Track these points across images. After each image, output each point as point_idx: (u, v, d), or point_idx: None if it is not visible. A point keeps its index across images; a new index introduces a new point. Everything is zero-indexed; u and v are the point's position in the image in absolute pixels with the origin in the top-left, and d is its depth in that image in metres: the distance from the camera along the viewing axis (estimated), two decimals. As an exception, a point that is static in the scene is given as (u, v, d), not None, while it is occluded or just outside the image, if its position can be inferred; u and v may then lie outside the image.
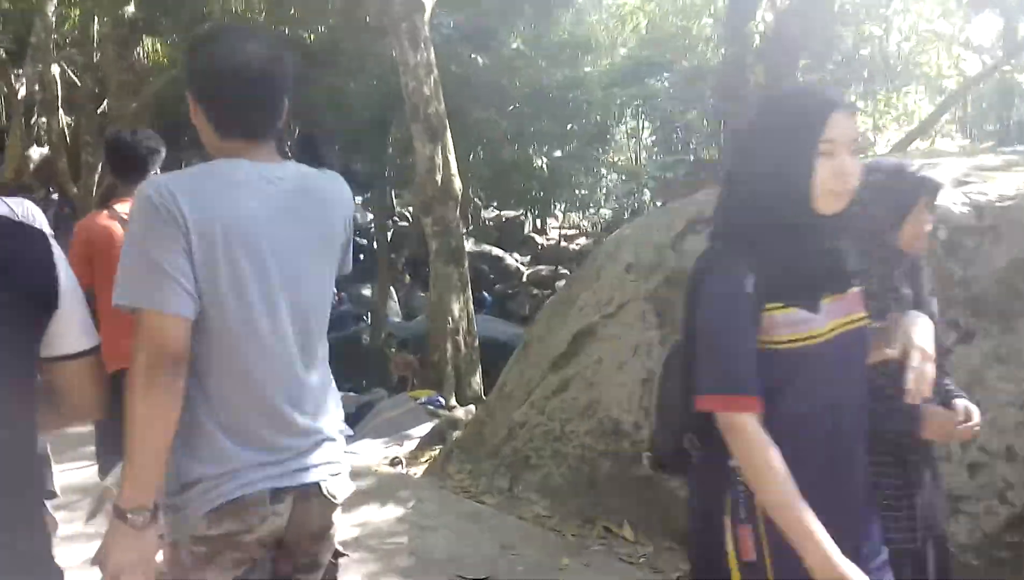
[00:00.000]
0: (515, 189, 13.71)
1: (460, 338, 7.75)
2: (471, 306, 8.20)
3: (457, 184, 7.94)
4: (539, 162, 12.09)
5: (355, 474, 2.06)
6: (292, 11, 13.75)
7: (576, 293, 4.87)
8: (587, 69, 13.89)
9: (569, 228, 33.63)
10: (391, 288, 22.07)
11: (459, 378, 7.73)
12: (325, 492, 1.69)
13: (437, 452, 5.57)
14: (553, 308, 5.38)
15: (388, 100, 12.75)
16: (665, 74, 16.57)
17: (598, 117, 13.54)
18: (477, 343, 8.10)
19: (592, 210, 17.16)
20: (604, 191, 16.42)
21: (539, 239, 31.00)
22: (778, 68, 8.03)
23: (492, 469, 4.68)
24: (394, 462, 5.71)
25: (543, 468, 4.39)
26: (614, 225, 22.18)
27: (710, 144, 18.55)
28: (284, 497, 1.63)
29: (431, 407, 7.23)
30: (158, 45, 15.30)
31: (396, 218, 26.81)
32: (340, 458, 1.76)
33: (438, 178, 7.78)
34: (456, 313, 7.79)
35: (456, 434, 5.70)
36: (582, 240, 28.89)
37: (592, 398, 4.27)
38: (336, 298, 18.50)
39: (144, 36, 15.14)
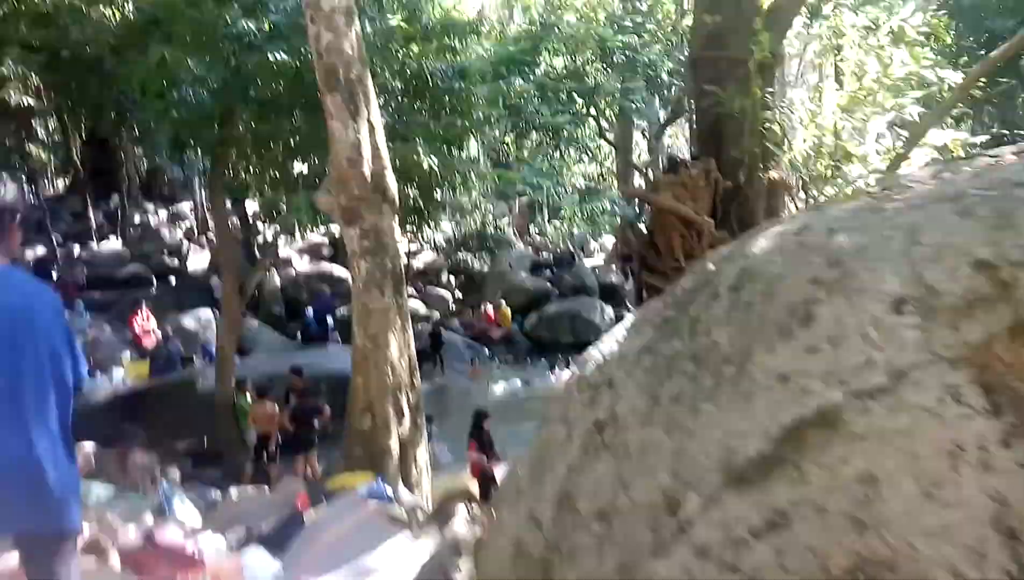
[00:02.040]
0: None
1: (403, 396, 5.57)
2: (413, 350, 6.02)
3: (391, 180, 5.76)
4: (427, 163, 9.93)
5: None
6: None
7: (746, 348, 2.82)
8: (472, 56, 11.88)
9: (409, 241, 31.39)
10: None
11: (404, 453, 5.55)
12: None
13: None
14: (676, 368, 3.28)
15: (236, 79, 10.08)
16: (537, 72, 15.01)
17: (481, 114, 11.57)
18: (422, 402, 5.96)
19: (454, 222, 15.00)
20: (471, 200, 14.45)
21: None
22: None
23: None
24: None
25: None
26: (474, 240, 20.35)
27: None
28: None
29: (376, 501, 4.96)
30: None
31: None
32: None
33: (366, 172, 5.56)
34: (396, 361, 5.60)
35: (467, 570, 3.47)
36: (428, 256, 26.88)
37: (864, 552, 2.24)
38: (156, 334, 15.29)
39: None
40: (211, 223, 30.31)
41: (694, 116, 8.08)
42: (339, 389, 13.13)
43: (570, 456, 3.55)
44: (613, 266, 25.75)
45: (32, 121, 22.18)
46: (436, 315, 24.11)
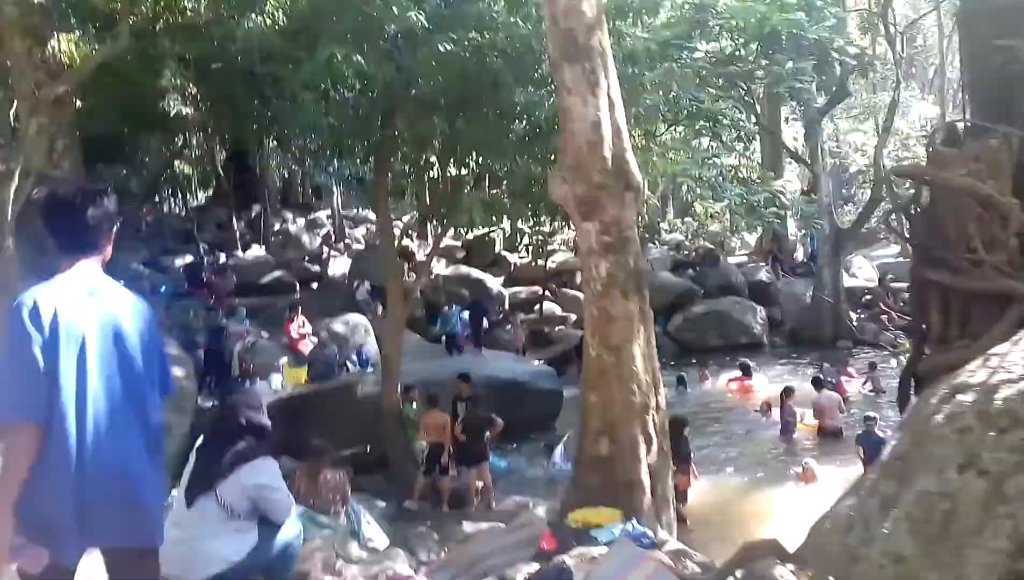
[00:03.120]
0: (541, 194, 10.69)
1: (650, 417, 4.85)
2: (657, 363, 5.32)
3: (634, 165, 5.08)
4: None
5: None
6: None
7: None
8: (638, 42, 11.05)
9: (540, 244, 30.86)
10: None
11: (654, 486, 4.85)
12: None
13: None
14: None
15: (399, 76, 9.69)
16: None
17: (648, 101, 10.70)
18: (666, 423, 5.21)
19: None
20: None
21: (511, 257, 28.16)
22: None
23: None
24: None
25: None
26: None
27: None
28: None
29: (639, 545, 4.27)
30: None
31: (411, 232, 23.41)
32: None
33: (607, 155, 4.90)
34: (642, 376, 4.89)
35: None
36: (560, 257, 26.19)
37: None
38: (312, 340, 15.30)
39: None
40: (347, 230, 31.02)
41: (968, 79, 6.94)
42: (500, 397, 12.70)
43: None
44: (760, 263, 24.33)
45: (188, 133, 22.93)
46: (573, 318, 23.45)
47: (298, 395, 12.74)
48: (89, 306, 2.26)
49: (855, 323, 21.10)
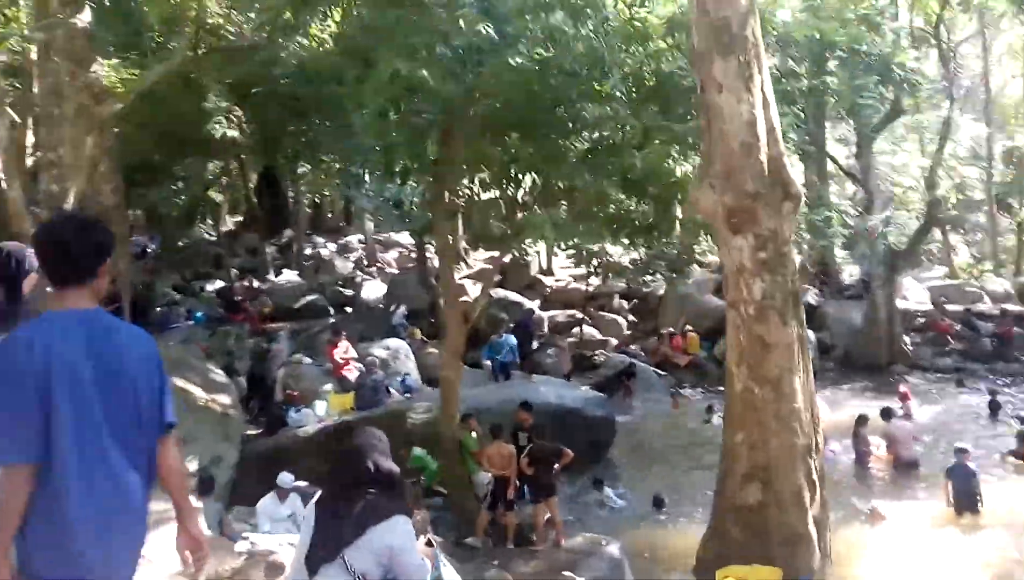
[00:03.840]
0: (618, 213, 10.21)
1: (814, 462, 4.29)
2: (815, 397, 4.77)
3: (791, 171, 4.60)
4: (680, 170, 8.78)
5: None
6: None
7: None
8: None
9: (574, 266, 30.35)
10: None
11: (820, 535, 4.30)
12: None
13: None
14: None
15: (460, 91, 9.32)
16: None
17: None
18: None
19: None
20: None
21: (547, 281, 27.70)
22: None
23: None
24: None
25: None
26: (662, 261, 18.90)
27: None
28: None
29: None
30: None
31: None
32: None
33: (762, 159, 4.42)
34: (803, 412, 4.34)
35: None
36: (595, 281, 25.64)
37: None
38: (356, 363, 14.90)
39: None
40: (378, 254, 30.75)
41: None
42: (551, 424, 12.17)
43: None
44: (807, 286, 23.68)
45: (226, 158, 22.78)
46: (613, 342, 22.91)
47: (346, 423, 12.27)
48: (82, 339, 2.23)
49: (910, 347, 20.40)
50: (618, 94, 10.08)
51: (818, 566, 4.31)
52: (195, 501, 5.96)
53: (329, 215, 37.56)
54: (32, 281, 3.31)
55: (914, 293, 23.19)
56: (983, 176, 26.68)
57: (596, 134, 10.08)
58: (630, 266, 20.09)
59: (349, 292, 25.92)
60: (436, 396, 14.17)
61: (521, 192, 10.86)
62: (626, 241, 10.55)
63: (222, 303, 22.51)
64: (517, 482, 9.38)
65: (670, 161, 9.14)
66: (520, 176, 10.59)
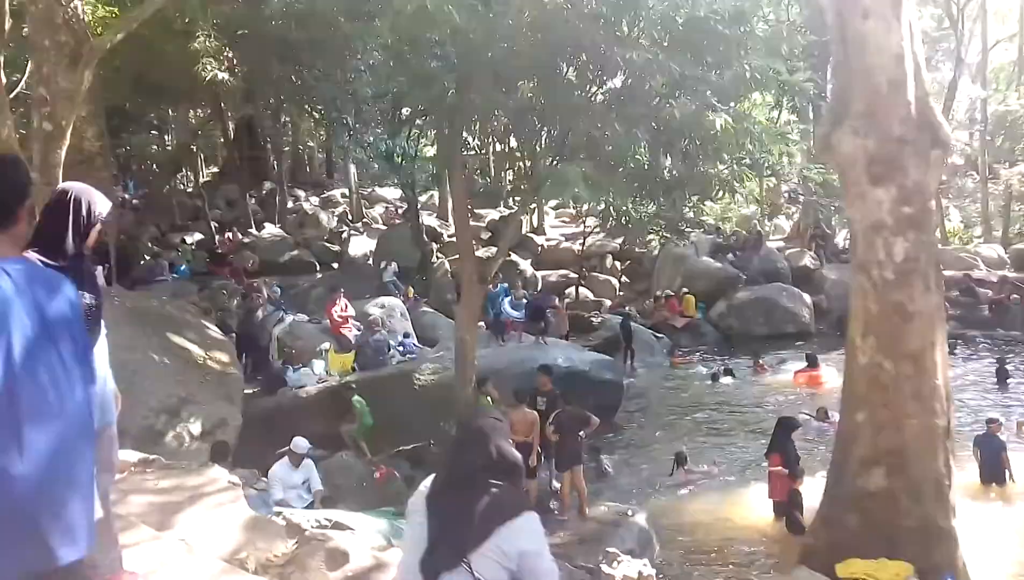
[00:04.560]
0: (648, 171, 9.60)
1: (950, 447, 3.83)
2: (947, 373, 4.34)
3: (939, 114, 4.08)
4: (720, 122, 8.23)
5: None
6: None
7: None
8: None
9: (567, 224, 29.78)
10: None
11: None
12: None
13: None
14: None
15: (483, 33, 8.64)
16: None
17: (761, 64, 9.59)
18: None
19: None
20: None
21: (538, 240, 27.13)
22: None
23: None
24: None
25: None
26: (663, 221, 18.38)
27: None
28: None
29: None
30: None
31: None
32: None
33: (910, 100, 3.87)
34: (942, 390, 3.89)
35: None
36: (591, 240, 25.09)
37: None
38: (355, 322, 14.35)
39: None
40: (364, 209, 29.92)
41: None
42: (561, 388, 11.72)
43: None
44: (803, 249, 23.43)
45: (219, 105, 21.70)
46: (607, 303, 22.51)
47: (350, 384, 11.75)
48: (6, 287, 2.03)
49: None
50: (644, 43, 9.47)
51: (960, 561, 3.86)
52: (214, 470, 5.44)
53: (307, 169, 36.50)
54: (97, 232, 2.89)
55: (910, 257, 23.02)
56: (976, 140, 26.39)
57: (622, 83, 9.46)
58: (632, 226, 19.51)
59: (336, 248, 25.17)
60: (438, 357, 13.71)
61: (537, 146, 10.23)
62: (650, 200, 9.97)
63: (206, 256, 21.73)
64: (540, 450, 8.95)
65: (710, 112, 8.58)
66: (540, 127, 9.96)
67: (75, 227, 2.92)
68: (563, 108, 9.71)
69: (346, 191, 30.56)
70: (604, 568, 6.17)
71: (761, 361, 17.04)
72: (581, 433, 8.93)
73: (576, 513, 8.75)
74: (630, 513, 8.70)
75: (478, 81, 9.71)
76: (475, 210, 31.11)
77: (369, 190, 32.02)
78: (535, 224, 27.38)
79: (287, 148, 31.52)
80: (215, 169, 33.86)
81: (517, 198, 11.12)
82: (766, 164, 10.48)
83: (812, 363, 15.46)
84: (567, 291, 22.72)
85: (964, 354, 17.22)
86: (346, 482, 9.15)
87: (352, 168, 28.19)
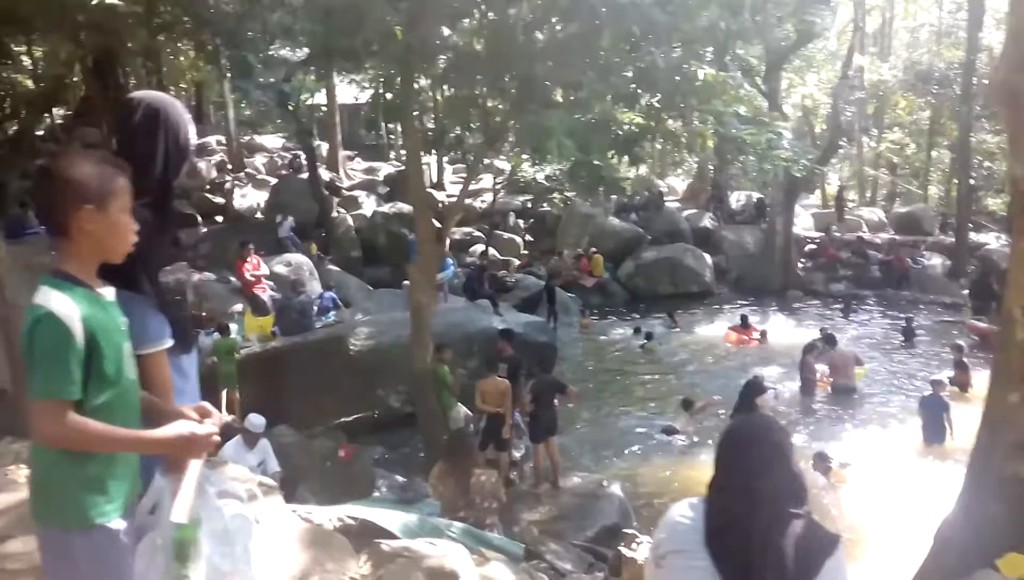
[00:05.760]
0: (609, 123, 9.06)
1: None
2: None
3: None
4: (700, 73, 7.83)
5: None
6: None
7: None
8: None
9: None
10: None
11: None
12: None
13: None
14: None
15: None
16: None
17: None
18: None
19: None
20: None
21: (438, 195, 26.12)
22: None
23: None
24: None
25: None
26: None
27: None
28: None
29: None
30: None
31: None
32: None
33: None
34: None
35: None
36: (490, 196, 24.40)
37: None
38: (268, 281, 13.06)
39: None
40: (246, 158, 27.72)
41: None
42: (493, 352, 11.16)
43: None
44: (702, 210, 23.81)
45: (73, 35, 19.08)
46: (515, 262, 22.04)
47: (278, 350, 10.69)
48: None
49: (802, 273, 21.07)
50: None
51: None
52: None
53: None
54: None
55: (802, 220, 23.94)
56: (855, 105, 27.57)
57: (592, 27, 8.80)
58: (545, 183, 19.07)
59: (219, 200, 23.20)
60: (370, 320, 12.70)
61: (500, 92, 9.45)
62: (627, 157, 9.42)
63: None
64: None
65: (693, 63, 8.14)
66: (505, 71, 9.15)
67: (165, 156, 2.21)
68: (537, 52, 8.95)
69: (222, 138, 28.22)
70: (624, 551, 5.73)
71: (676, 318, 17.23)
72: (555, 401, 8.44)
73: (549, 486, 8.30)
74: (605, 483, 8.35)
75: (432, 14, 8.79)
76: (368, 163, 29.81)
77: (248, 138, 29.79)
78: (434, 180, 26.37)
79: (153, 88, 28.61)
80: (67, 112, 30.37)
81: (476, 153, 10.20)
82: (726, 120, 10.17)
83: (745, 323, 15.72)
84: (477, 249, 22.05)
85: (862, 318, 17.95)
86: (306, 462, 8.21)
87: (231, 113, 26.02)
